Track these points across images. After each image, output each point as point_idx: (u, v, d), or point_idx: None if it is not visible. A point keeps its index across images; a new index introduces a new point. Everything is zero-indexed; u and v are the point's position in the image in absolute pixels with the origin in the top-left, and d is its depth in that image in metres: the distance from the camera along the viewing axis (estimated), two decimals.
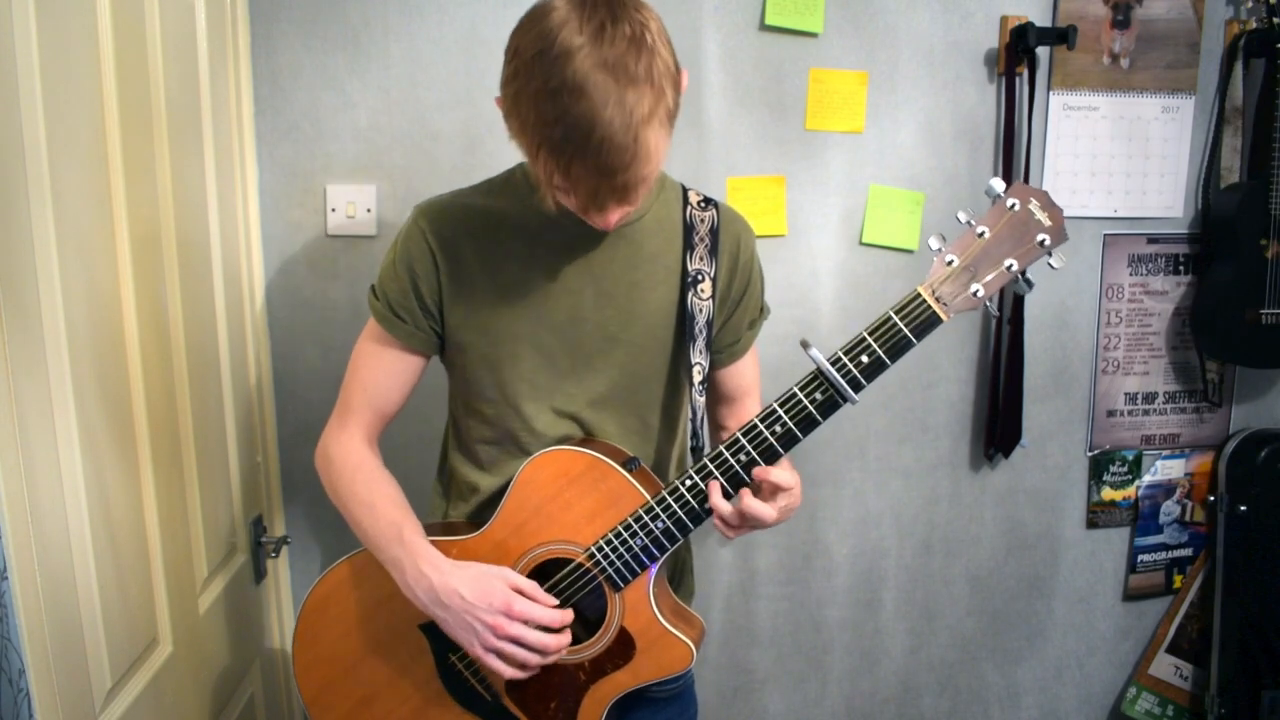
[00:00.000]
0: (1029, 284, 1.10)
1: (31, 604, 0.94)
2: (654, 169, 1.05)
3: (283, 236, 1.77)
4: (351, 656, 1.29)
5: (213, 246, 1.51)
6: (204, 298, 1.48)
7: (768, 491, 1.14)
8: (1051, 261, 1.09)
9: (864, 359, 1.10)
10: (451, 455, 1.36)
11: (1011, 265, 1.08)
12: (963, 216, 1.09)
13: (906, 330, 1.09)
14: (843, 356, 1.10)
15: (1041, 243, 1.07)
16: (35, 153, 0.96)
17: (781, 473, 1.13)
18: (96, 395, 1.10)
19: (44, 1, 0.97)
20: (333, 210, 1.77)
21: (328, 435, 1.31)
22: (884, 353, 1.09)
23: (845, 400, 1.11)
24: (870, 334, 1.10)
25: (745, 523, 1.14)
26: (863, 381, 1.10)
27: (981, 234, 1.08)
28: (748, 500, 1.12)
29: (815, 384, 1.11)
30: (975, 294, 1.08)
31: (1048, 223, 1.07)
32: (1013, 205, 1.07)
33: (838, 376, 1.10)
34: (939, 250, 1.09)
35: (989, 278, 1.08)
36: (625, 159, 1.00)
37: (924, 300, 1.08)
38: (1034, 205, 1.07)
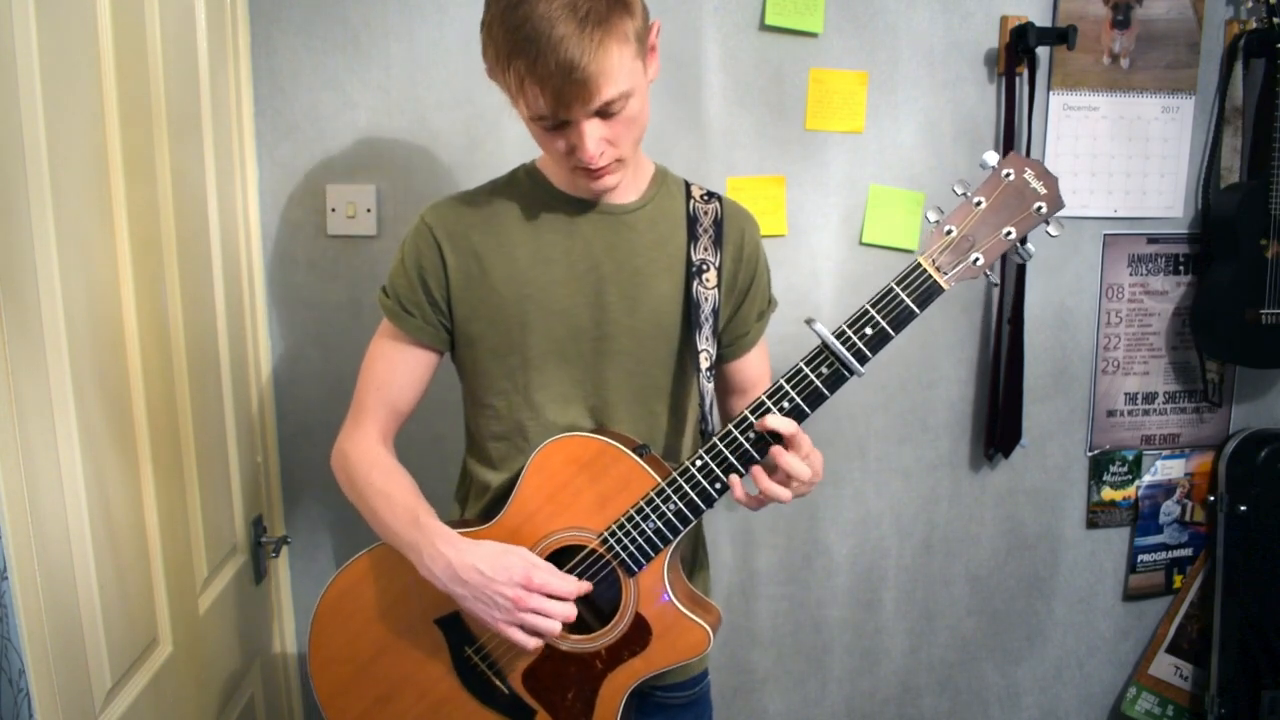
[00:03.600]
0: (1028, 253, 1.10)
1: (31, 604, 0.94)
2: (617, 74, 1.07)
3: (283, 236, 1.77)
4: (367, 654, 1.28)
5: (213, 247, 1.51)
6: (204, 298, 1.48)
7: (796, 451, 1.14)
8: (1049, 229, 1.09)
9: (868, 331, 1.10)
10: (466, 460, 1.37)
11: (1010, 233, 1.08)
12: (959, 188, 1.10)
13: (909, 300, 1.09)
14: (847, 330, 1.11)
15: (1038, 210, 1.07)
16: (35, 153, 0.96)
17: (798, 431, 1.13)
18: (96, 395, 1.09)
19: (44, 1, 0.97)
20: (333, 210, 1.77)
21: (343, 436, 1.31)
22: (887, 324, 1.10)
23: (851, 373, 1.11)
24: (873, 306, 1.10)
25: (780, 482, 1.13)
26: (867, 354, 1.10)
27: (978, 204, 1.08)
28: (784, 457, 1.12)
29: (821, 359, 1.12)
30: (975, 262, 1.08)
31: (1044, 191, 1.07)
32: (1008, 175, 1.07)
33: (843, 350, 1.10)
34: (937, 222, 1.10)
35: (988, 245, 1.08)
36: (584, 55, 1.03)
37: (924, 270, 1.09)
38: (1029, 174, 1.07)
